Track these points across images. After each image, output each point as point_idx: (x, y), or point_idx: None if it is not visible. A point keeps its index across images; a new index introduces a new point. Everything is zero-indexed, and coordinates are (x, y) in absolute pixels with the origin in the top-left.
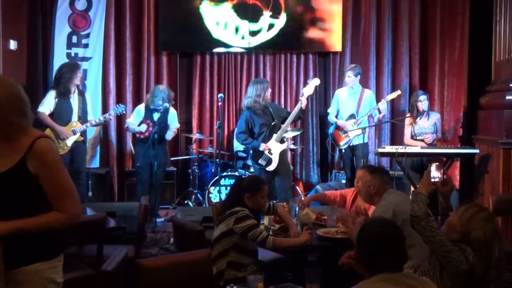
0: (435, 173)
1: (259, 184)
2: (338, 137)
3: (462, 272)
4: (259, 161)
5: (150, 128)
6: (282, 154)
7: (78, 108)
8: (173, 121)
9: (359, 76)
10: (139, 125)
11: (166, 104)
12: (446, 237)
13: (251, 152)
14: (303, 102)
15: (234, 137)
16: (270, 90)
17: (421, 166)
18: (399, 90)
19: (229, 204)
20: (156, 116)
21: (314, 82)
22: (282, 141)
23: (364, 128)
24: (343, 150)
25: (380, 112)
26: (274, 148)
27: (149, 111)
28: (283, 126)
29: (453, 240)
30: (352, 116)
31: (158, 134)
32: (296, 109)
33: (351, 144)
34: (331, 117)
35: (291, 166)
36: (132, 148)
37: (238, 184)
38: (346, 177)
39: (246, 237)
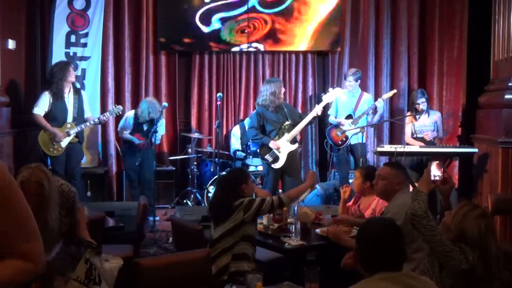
0: (435, 172)
1: (245, 171)
2: (336, 137)
3: (461, 272)
4: (266, 157)
5: (142, 141)
6: (293, 154)
7: (73, 108)
8: (160, 129)
9: (359, 81)
10: (131, 133)
11: (165, 104)
12: (445, 237)
13: (260, 147)
14: (318, 112)
15: (231, 134)
16: (283, 89)
17: (420, 165)
18: (395, 89)
19: (227, 202)
20: (146, 126)
21: (336, 91)
22: (293, 141)
23: (363, 127)
24: (340, 150)
25: (375, 112)
26: (283, 147)
27: (138, 121)
28: (296, 128)
29: (450, 240)
30: (349, 117)
31: (154, 132)
32: (310, 116)
33: (349, 144)
34: (331, 118)
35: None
36: (119, 149)
37: (226, 181)
38: (341, 176)
39: (257, 216)
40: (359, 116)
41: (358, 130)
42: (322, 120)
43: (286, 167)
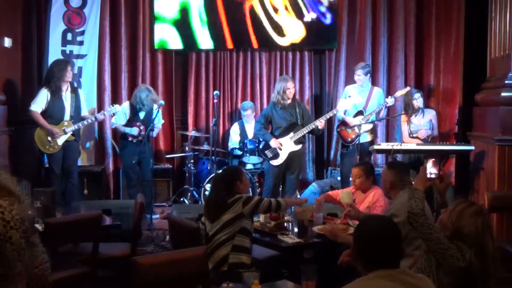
0: (431, 169)
1: (240, 169)
2: (346, 134)
3: (459, 270)
4: (266, 152)
5: (142, 133)
6: (296, 154)
7: (70, 107)
8: (158, 118)
9: (369, 75)
10: (128, 126)
11: (162, 102)
12: (443, 235)
13: (263, 142)
14: (320, 124)
15: (231, 131)
16: (291, 89)
17: (418, 162)
18: (408, 87)
19: (221, 199)
20: (142, 114)
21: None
22: (298, 142)
23: (360, 125)
24: (350, 147)
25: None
26: (285, 145)
27: (134, 110)
28: (302, 129)
29: (447, 237)
30: (360, 113)
31: (151, 129)
32: (311, 125)
33: (359, 142)
34: (340, 114)
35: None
36: (117, 147)
37: (221, 178)
38: (344, 174)
39: (254, 214)
40: (369, 113)
41: (371, 126)
42: (318, 118)
43: (288, 165)
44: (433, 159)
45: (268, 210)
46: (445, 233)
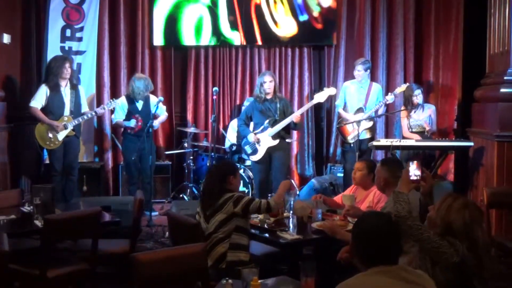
0: (416, 172)
1: (235, 164)
2: (346, 131)
3: (454, 266)
4: (245, 147)
5: (140, 123)
6: (278, 148)
7: (70, 102)
8: (159, 109)
9: (368, 71)
10: (127, 119)
11: (161, 98)
12: (433, 233)
13: (242, 137)
14: (294, 117)
15: (229, 127)
16: (267, 83)
17: (417, 157)
18: (407, 83)
19: (216, 193)
20: (139, 105)
21: (329, 91)
22: (275, 137)
23: (360, 122)
24: (352, 144)
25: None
26: (263, 140)
27: (131, 102)
28: (279, 124)
29: (438, 234)
30: (360, 110)
31: (150, 126)
32: (287, 120)
33: (359, 138)
34: (339, 110)
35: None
36: (118, 143)
37: (216, 171)
38: (345, 171)
39: (247, 214)
40: (370, 111)
41: (371, 124)
42: (318, 114)
43: (270, 161)
44: (416, 161)
45: (258, 211)
46: (436, 230)
